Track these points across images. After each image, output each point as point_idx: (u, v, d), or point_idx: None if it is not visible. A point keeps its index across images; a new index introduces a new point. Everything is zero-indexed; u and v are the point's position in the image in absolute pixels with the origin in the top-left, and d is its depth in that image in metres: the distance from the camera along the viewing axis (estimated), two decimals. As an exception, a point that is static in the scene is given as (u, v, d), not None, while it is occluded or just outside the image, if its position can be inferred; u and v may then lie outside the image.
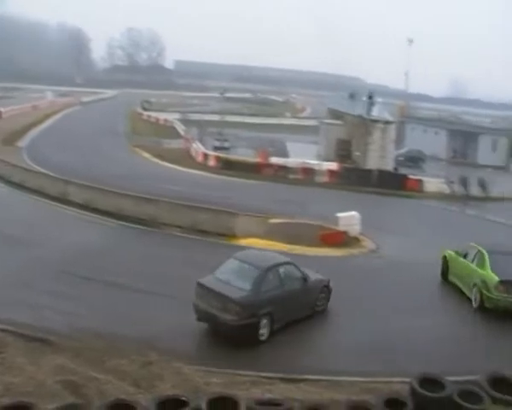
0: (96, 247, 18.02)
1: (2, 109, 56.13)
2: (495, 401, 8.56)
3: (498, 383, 9.16)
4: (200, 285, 12.28)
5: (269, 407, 7.99)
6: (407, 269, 18.79)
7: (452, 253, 17.63)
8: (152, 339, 11.25)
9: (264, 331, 12.14)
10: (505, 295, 14.57)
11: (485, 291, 14.93)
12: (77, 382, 8.82)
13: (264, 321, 12.09)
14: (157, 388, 9.31)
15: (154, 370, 10.02)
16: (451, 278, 17.26)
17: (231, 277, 12.42)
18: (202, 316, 12.24)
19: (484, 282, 15.10)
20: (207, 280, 12.39)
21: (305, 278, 13.57)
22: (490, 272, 15.29)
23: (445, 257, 17.91)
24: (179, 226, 21.42)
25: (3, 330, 11.06)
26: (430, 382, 9.08)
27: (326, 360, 11.66)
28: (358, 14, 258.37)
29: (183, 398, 7.96)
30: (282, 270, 13.05)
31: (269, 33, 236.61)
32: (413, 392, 8.88)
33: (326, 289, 14.38)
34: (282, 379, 10.20)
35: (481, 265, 15.73)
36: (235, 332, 11.66)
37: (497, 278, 14.93)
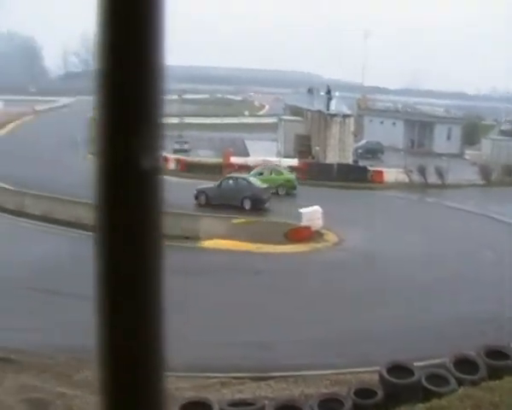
0: (58, 259, 17.59)
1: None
2: (461, 382, 8.75)
3: (463, 363, 9.38)
4: None
5: (241, 408, 7.96)
6: (370, 261, 19.17)
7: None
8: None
9: None
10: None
11: (290, 183, 30.84)
12: (43, 399, 8.61)
13: None
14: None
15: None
16: None
17: None
18: None
19: (287, 180, 30.92)
20: None
21: None
22: (287, 174, 31.69)
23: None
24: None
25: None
26: (398, 369, 9.21)
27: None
28: (314, 9, 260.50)
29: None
30: None
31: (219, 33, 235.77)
32: (382, 380, 9.00)
33: None
34: (251, 378, 10.17)
35: (279, 173, 31.46)
36: None
37: (294, 176, 31.60)
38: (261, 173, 30.92)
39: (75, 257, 18.05)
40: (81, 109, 79.65)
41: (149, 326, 0.83)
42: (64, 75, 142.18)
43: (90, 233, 21.19)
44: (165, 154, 40.55)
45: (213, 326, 12.88)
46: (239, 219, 23.16)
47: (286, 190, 30.75)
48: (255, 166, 37.43)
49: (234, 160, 39.09)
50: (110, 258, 0.82)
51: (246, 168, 37.27)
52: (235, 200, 25.89)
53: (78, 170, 36.26)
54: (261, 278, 17.35)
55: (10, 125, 62.41)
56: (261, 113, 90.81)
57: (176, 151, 44.25)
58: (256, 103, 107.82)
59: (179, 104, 57.83)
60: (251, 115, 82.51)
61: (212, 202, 26.16)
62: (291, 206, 25.69)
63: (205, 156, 41.64)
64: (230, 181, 27.60)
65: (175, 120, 57.13)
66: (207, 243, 20.72)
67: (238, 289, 15.94)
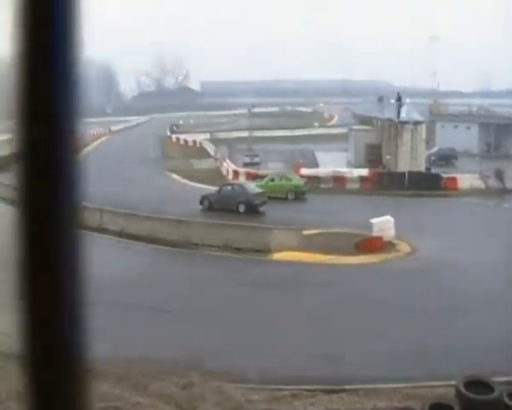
0: (136, 272, 18.24)
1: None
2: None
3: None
4: None
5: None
6: (445, 272, 18.52)
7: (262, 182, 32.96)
8: (192, 360, 11.32)
9: None
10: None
11: (299, 189, 33.48)
12: (121, 408, 8.95)
13: None
14: (199, 408, 9.37)
15: (196, 390, 10.08)
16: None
17: None
18: None
19: (296, 185, 33.52)
20: None
21: None
22: (297, 181, 34.32)
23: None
24: (213, 246, 21.51)
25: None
26: (476, 384, 8.87)
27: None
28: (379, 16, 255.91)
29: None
30: None
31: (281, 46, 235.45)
32: (459, 395, 8.69)
33: None
34: (323, 391, 10.11)
35: (289, 179, 34.09)
36: None
37: (303, 181, 34.37)
38: (272, 180, 33.76)
39: (150, 271, 18.73)
40: (152, 127, 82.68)
41: (64, 314, 0.84)
42: (137, 95, 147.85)
43: (166, 247, 21.88)
44: (235, 167, 41.33)
45: (287, 337, 12.93)
46: (309, 231, 23.13)
47: (295, 196, 33.03)
48: (325, 178, 37.51)
49: (304, 171, 39.06)
50: (26, 243, 0.83)
51: (315, 179, 37.22)
52: (231, 204, 28.34)
53: (149, 186, 37.57)
54: (334, 289, 17.20)
55: (91, 146, 65.50)
56: (330, 123, 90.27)
57: (246, 164, 44.84)
58: (325, 114, 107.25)
59: (249, 118, 58.52)
60: (320, 126, 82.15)
61: (213, 207, 28.70)
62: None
63: (275, 169, 41.86)
64: (229, 187, 30.36)
65: (245, 134, 57.98)
66: (278, 255, 20.80)
67: (311, 300, 15.88)
